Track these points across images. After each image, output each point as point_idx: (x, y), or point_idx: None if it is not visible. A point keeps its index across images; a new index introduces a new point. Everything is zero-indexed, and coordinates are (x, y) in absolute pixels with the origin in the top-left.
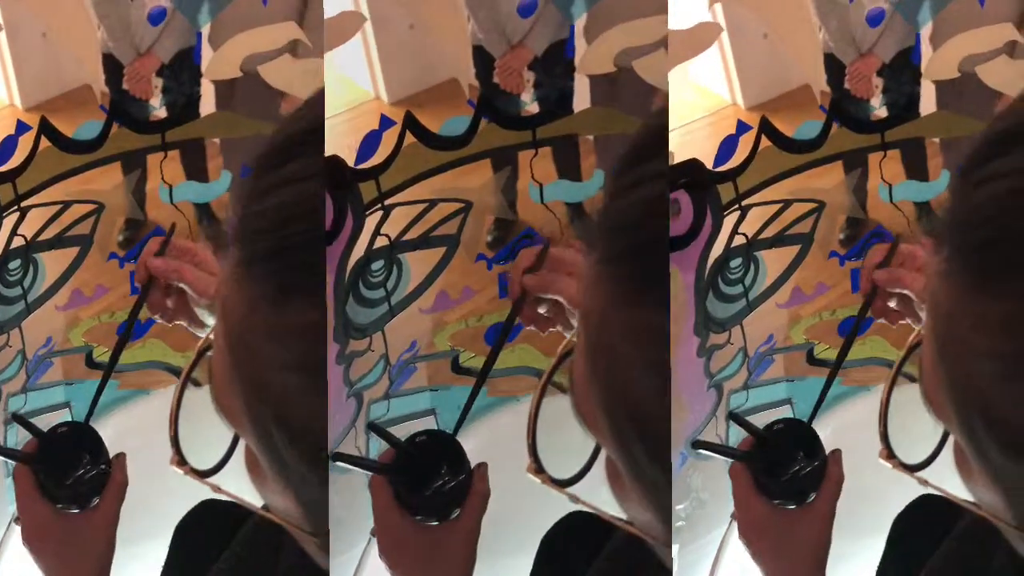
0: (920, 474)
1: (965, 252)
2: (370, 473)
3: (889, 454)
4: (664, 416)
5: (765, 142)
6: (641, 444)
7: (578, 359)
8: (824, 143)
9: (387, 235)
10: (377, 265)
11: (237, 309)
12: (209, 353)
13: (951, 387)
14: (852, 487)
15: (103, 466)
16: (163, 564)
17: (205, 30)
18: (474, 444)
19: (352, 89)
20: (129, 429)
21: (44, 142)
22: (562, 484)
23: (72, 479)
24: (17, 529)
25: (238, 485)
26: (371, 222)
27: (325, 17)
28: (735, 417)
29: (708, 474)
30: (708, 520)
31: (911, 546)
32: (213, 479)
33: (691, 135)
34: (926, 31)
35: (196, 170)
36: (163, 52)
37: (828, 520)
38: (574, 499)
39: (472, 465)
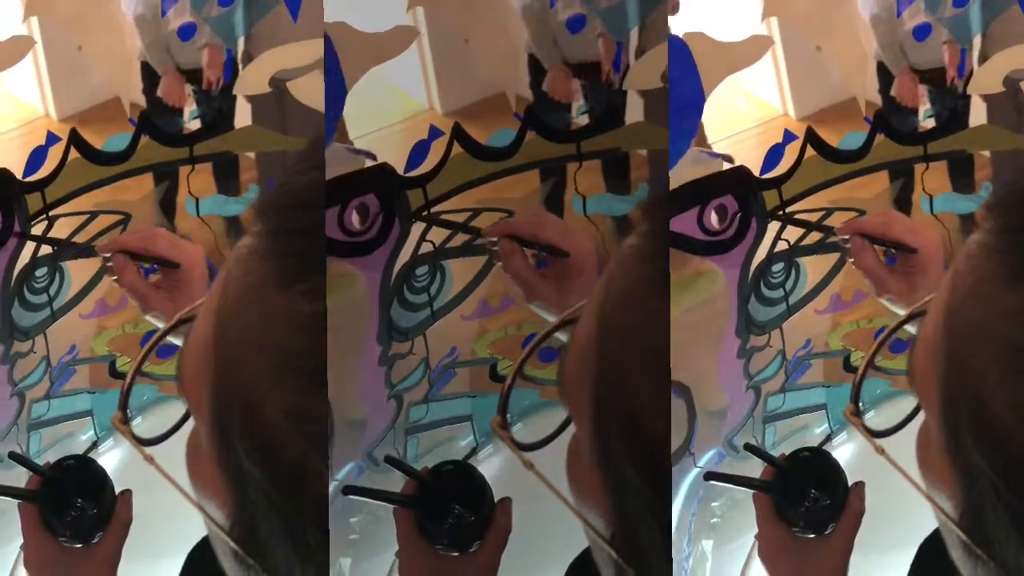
0: (879, 441)
1: (1010, 232)
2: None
3: (855, 411)
4: (661, 414)
5: (810, 151)
6: (623, 436)
7: (581, 328)
8: (868, 154)
9: (432, 242)
10: (421, 271)
11: (237, 286)
12: (188, 324)
13: (947, 365)
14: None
15: (107, 497)
16: None
17: (238, 44)
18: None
19: (405, 101)
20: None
21: (74, 153)
22: (523, 448)
23: (74, 516)
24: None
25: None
26: (417, 229)
27: (376, 31)
28: (751, 448)
29: (743, 472)
30: (744, 517)
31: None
32: (149, 449)
33: (740, 143)
34: (973, 45)
35: (227, 184)
36: (194, 67)
37: (845, 553)
38: (529, 466)
39: (495, 499)
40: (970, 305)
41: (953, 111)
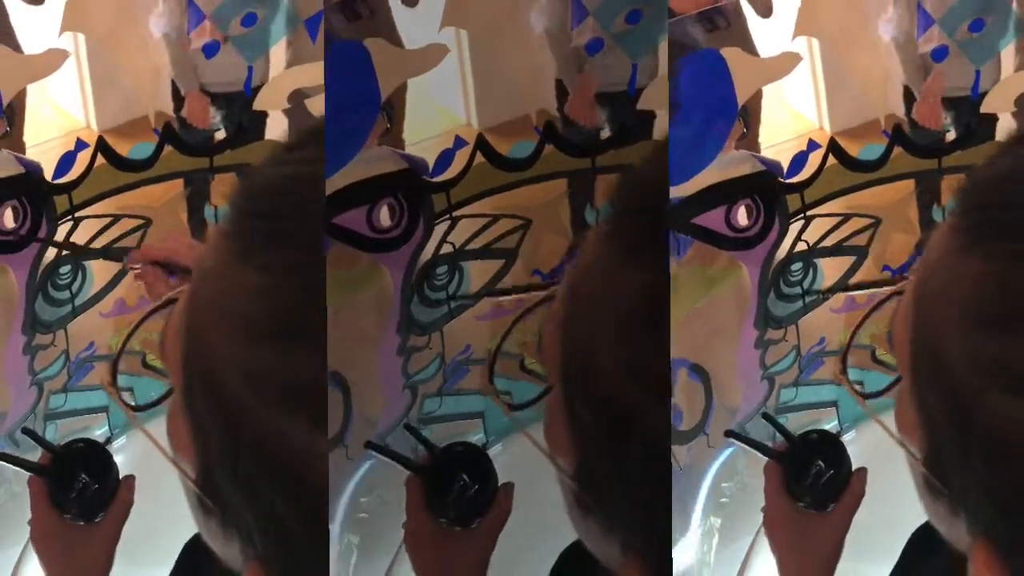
0: (869, 402)
1: (971, 211)
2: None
3: (842, 370)
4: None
5: (832, 160)
6: (584, 389)
7: (555, 301)
8: (885, 165)
9: (452, 243)
10: (441, 269)
11: (208, 262)
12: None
13: (915, 326)
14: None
15: (112, 480)
16: None
17: (259, 62)
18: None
19: (445, 115)
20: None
21: (100, 159)
22: (512, 407)
23: (79, 492)
24: None
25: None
26: (439, 230)
27: (411, 47)
28: (767, 417)
29: (753, 458)
30: (752, 501)
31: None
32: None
33: (778, 154)
34: (987, 66)
35: None
36: (217, 84)
37: (843, 530)
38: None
39: (500, 482)
40: (936, 272)
41: (967, 128)
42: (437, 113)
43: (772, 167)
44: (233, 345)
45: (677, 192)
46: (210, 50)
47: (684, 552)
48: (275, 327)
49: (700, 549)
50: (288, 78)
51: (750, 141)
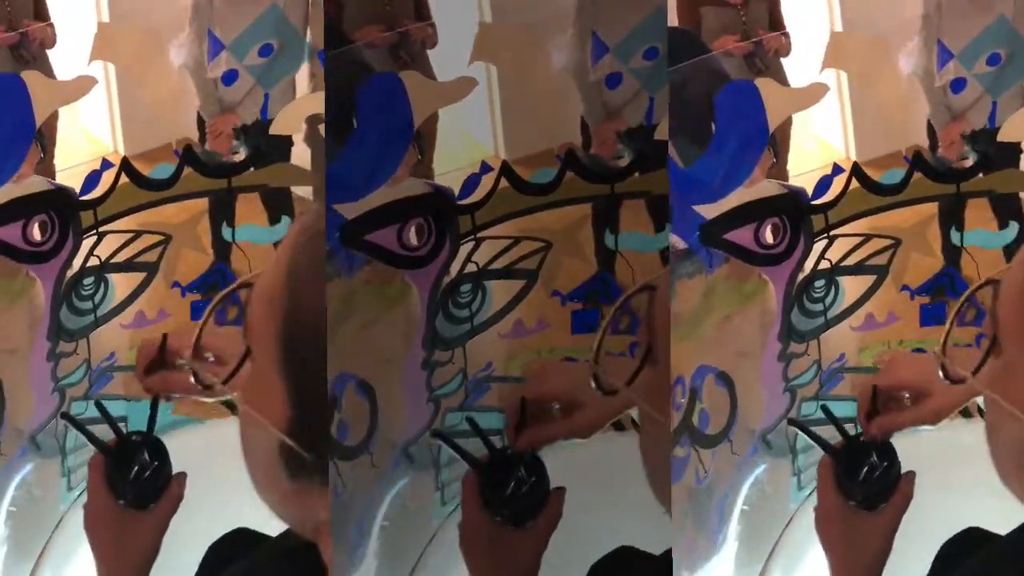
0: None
1: None
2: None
3: (943, 351)
4: None
5: (854, 183)
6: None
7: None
8: (906, 188)
9: (476, 263)
10: (465, 288)
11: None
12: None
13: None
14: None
15: (166, 467)
16: None
17: (275, 89)
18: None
19: (476, 147)
20: (182, 455)
21: (124, 178)
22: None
23: (137, 478)
24: (63, 533)
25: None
26: (464, 250)
27: (443, 80)
28: (825, 411)
29: (774, 468)
30: (770, 511)
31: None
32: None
33: (805, 180)
34: (1004, 98)
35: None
36: (239, 111)
37: (891, 531)
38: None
39: (552, 486)
40: None
41: (985, 155)
42: (467, 144)
43: (797, 192)
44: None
45: (703, 211)
46: (229, 78)
47: (702, 557)
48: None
49: (718, 554)
50: (303, 104)
51: (779, 170)
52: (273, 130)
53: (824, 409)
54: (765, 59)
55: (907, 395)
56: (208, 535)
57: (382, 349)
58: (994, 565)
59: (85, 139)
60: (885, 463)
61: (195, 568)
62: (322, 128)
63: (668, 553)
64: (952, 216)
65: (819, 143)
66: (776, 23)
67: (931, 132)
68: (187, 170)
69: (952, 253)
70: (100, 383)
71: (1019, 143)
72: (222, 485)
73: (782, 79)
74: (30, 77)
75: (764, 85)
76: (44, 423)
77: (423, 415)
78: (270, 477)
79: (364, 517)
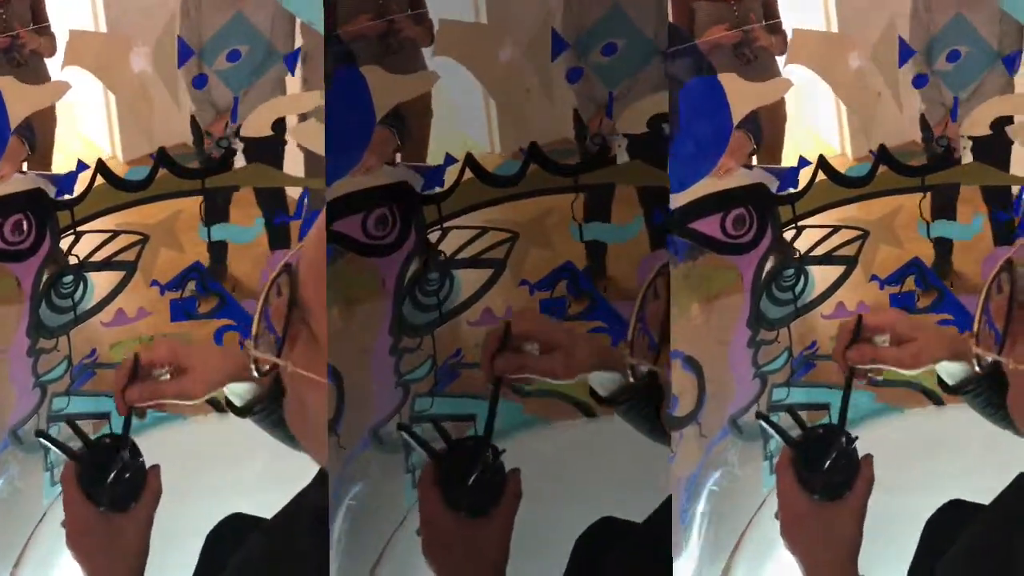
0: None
1: None
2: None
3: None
4: None
5: (821, 176)
6: None
7: None
8: (872, 181)
9: (443, 251)
10: (433, 276)
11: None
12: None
13: None
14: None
15: (139, 464)
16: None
17: (244, 93)
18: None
19: (472, 145)
20: (162, 452)
21: (99, 179)
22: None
23: (112, 480)
24: (47, 526)
25: None
26: (432, 239)
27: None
28: (769, 422)
29: (745, 452)
30: (740, 493)
31: (941, 548)
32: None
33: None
34: (964, 93)
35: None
36: (207, 113)
37: (860, 516)
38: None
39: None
40: None
41: (947, 149)
42: (463, 142)
43: (763, 183)
44: None
45: (676, 200)
46: (199, 82)
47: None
48: None
49: (689, 534)
50: (272, 107)
51: (772, 159)
52: (244, 132)
53: (760, 416)
54: (753, 49)
55: (889, 337)
56: (198, 527)
57: (352, 334)
58: (985, 530)
59: (86, 148)
60: (845, 445)
61: (194, 569)
62: (292, 131)
63: (654, 518)
64: (919, 208)
65: (815, 140)
66: (770, 15)
67: (897, 128)
68: (162, 171)
69: (920, 244)
70: (81, 380)
71: (981, 136)
72: (207, 477)
73: (774, 72)
74: (3, 82)
75: (727, 80)
76: (25, 417)
77: (392, 399)
78: (321, 440)
79: (333, 496)
